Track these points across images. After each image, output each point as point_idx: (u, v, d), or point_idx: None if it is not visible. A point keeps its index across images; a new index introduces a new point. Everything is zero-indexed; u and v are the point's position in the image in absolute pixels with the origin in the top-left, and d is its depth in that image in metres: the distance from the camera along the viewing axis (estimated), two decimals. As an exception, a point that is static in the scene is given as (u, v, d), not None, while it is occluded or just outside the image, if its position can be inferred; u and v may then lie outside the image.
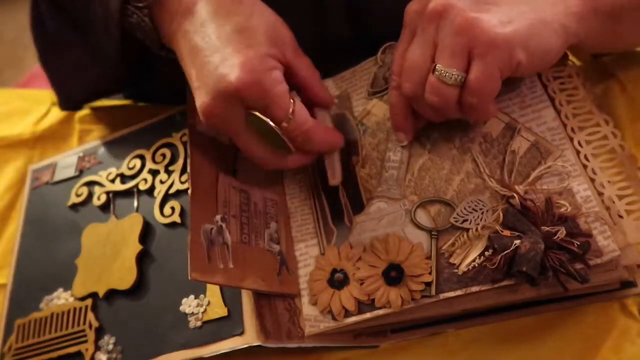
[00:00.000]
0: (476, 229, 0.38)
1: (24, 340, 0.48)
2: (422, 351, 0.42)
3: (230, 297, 0.42)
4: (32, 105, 0.71)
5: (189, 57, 0.40)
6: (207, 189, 0.40)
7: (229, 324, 0.41)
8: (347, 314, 0.39)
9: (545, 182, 0.39)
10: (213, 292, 0.43)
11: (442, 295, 0.38)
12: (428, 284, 0.38)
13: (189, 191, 0.39)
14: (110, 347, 0.45)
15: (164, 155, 0.52)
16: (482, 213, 0.39)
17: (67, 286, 0.49)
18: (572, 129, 0.41)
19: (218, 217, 0.40)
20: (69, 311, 0.48)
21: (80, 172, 0.56)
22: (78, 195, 0.54)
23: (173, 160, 0.52)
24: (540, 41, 0.37)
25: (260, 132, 0.40)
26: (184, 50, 0.41)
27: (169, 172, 0.51)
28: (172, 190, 0.50)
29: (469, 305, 0.39)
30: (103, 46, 0.48)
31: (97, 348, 0.45)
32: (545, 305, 0.40)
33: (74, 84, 0.57)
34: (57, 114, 0.68)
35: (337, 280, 0.41)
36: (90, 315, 0.47)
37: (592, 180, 0.39)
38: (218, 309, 0.42)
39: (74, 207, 0.54)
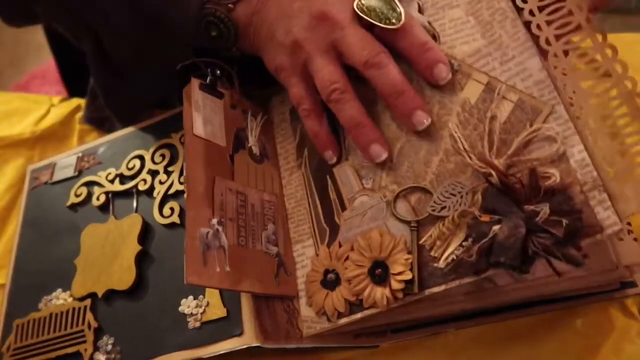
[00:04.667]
0: (452, 217, 0.35)
1: (22, 341, 0.48)
2: (422, 351, 0.42)
3: (229, 298, 0.42)
4: (32, 106, 0.71)
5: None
6: (203, 193, 0.40)
7: (228, 325, 0.41)
8: (340, 315, 0.38)
9: (534, 149, 0.34)
10: (212, 293, 0.43)
11: (428, 291, 0.35)
12: (409, 282, 0.36)
13: (185, 195, 0.39)
14: (109, 347, 0.44)
15: (163, 156, 0.52)
16: (462, 197, 0.35)
17: (66, 286, 0.49)
18: (564, 72, 0.35)
19: (214, 221, 0.40)
20: (67, 311, 0.47)
21: (80, 173, 0.56)
22: (77, 196, 0.54)
23: (172, 161, 0.51)
24: None
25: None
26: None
27: (168, 173, 0.51)
28: (171, 191, 0.50)
29: (461, 306, 0.38)
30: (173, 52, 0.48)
31: (96, 348, 0.45)
32: (545, 305, 0.40)
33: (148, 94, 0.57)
34: (57, 114, 0.69)
35: (329, 281, 0.40)
36: (89, 316, 0.46)
37: (589, 136, 0.33)
38: (217, 310, 0.42)
39: (73, 207, 0.54)
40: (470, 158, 0.35)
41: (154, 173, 0.52)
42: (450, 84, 0.39)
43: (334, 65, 0.41)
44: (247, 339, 0.39)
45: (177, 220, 0.48)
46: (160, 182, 0.51)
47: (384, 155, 0.40)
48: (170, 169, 0.51)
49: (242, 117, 0.48)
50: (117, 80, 0.54)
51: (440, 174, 0.37)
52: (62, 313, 0.48)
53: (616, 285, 0.39)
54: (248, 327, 0.40)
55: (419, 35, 0.40)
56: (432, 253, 0.36)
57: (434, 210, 0.36)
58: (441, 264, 0.35)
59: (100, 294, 0.47)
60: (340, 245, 0.40)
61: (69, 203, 0.54)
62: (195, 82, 0.45)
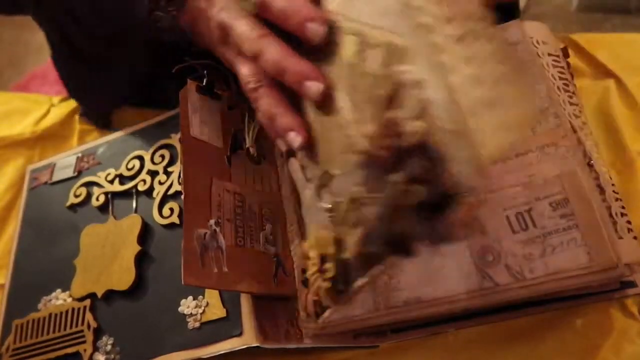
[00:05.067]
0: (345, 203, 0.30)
1: (22, 341, 0.48)
2: (422, 351, 0.42)
3: (229, 298, 0.42)
4: (32, 106, 0.71)
5: None
6: (200, 194, 0.40)
7: (227, 325, 0.41)
8: (317, 314, 0.38)
9: (404, 100, 0.26)
10: (212, 293, 0.43)
11: (356, 285, 0.31)
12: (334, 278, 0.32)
13: (182, 197, 0.39)
14: (109, 347, 0.44)
15: (162, 157, 0.52)
16: (349, 177, 0.30)
17: (66, 287, 0.49)
18: None
19: (212, 222, 0.40)
20: (67, 312, 0.47)
21: (79, 173, 0.56)
22: (77, 196, 0.54)
23: (172, 162, 0.51)
24: None
25: None
26: None
27: (167, 173, 0.51)
28: (170, 191, 0.50)
29: (461, 306, 0.38)
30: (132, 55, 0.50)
31: (96, 349, 0.45)
32: (545, 305, 0.40)
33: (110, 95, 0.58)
34: (57, 114, 0.68)
35: (305, 281, 0.39)
36: (89, 316, 0.47)
37: (444, 68, 0.25)
38: (217, 310, 0.42)
39: (73, 207, 0.54)
40: (351, 129, 0.30)
41: (153, 173, 0.52)
42: (330, 46, 0.33)
43: (249, 62, 0.39)
44: (247, 339, 0.39)
45: (177, 221, 0.48)
46: (160, 183, 0.51)
47: (299, 140, 0.36)
48: (169, 169, 0.51)
49: (239, 118, 0.48)
50: (84, 76, 0.55)
51: (341, 153, 0.32)
52: (61, 313, 0.48)
53: (616, 285, 0.39)
54: (247, 327, 0.40)
55: (280, 2, 0.36)
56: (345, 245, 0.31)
57: (335, 196, 0.32)
58: (346, 256, 0.30)
59: (99, 294, 0.47)
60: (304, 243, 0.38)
61: (68, 203, 0.54)
62: (191, 85, 0.45)
